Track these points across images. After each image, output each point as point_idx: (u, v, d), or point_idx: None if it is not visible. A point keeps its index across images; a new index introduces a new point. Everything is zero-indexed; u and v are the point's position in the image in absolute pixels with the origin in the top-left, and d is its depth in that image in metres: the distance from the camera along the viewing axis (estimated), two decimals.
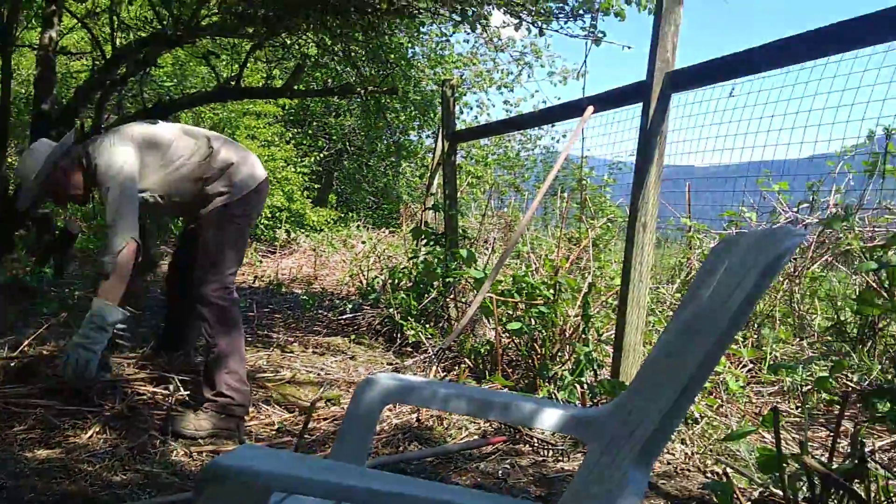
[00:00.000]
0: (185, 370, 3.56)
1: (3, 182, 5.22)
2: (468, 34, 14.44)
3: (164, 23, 4.83)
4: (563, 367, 3.71)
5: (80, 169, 3.02)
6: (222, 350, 3.04)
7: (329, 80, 6.30)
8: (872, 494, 1.88)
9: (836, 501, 1.87)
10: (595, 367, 3.60)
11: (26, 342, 3.66)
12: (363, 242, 10.70)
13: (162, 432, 2.95)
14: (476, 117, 15.44)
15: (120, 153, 2.93)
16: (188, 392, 3.30)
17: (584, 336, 3.70)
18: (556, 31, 5.93)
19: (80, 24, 5.53)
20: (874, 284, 3.51)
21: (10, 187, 5.29)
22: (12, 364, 3.39)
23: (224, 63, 6.68)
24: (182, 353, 3.69)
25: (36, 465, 2.54)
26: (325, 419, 3.37)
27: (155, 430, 2.98)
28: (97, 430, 2.90)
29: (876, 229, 4.73)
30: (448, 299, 5.13)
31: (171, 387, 3.35)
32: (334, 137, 15.33)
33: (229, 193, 3.06)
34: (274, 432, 3.19)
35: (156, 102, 5.79)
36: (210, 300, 3.02)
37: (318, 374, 4.16)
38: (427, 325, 4.77)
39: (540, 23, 5.81)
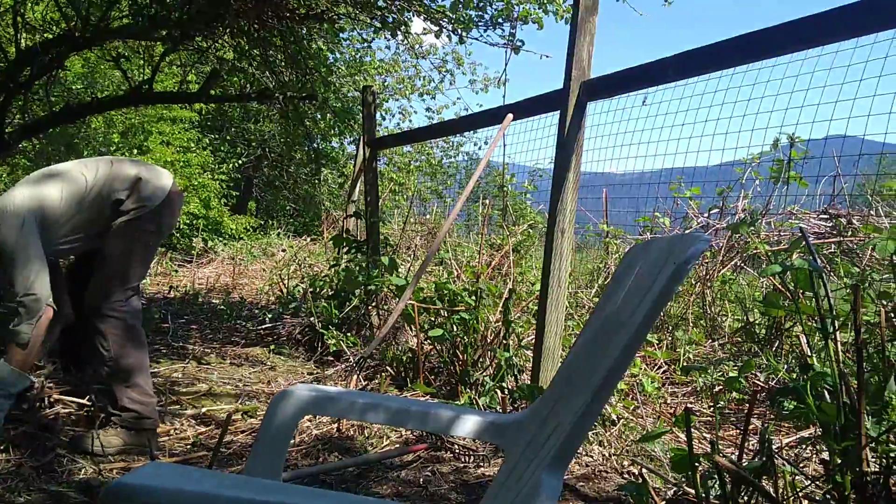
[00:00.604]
0: (98, 385, 3.41)
1: None
2: (389, 41, 14.44)
3: (73, 24, 4.64)
4: (484, 373, 3.73)
5: None
6: (124, 364, 2.92)
7: (247, 86, 6.16)
8: (780, 490, 1.95)
9: (745, 498, 1.93)
10: (516, 373, 3.63)
11: None
12: (283, 250, 10.55)
13: (70, 450, 2.83)
14: (398, 124, 15.45)
15: (16, 212, 2.76)
16: (92, 407, 3.16)
17: (505, 342, 3.73)
18: (477, 39, 5.99)
19: None
20: (780, 287, 3.65)
21: None
22: None
23: (137, 66, 6.47)
24: (92, 368, 3.54)
25: None
26: (242, 432, 3.29)
27: (62, 447, 2.85)
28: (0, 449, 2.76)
29: (781, 233, 4.94)
30: (370, 307, 5.09)
31: (82, 402, 3.21)
32: (253, 143, 15.07)
33: (140, 207, 2.95)
34: (189, 447, 3.09)
35: (64, 106, 5.56)
36: (111, 314, 2.90)
37: (236, 386, 4.06)
38: (349, 334, 4.72)
39: (460, 31, 5.85)
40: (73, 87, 8.77)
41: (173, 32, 4.68)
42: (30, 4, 5.44)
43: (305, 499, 1.05)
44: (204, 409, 3.51)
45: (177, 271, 8.97)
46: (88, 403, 3.18)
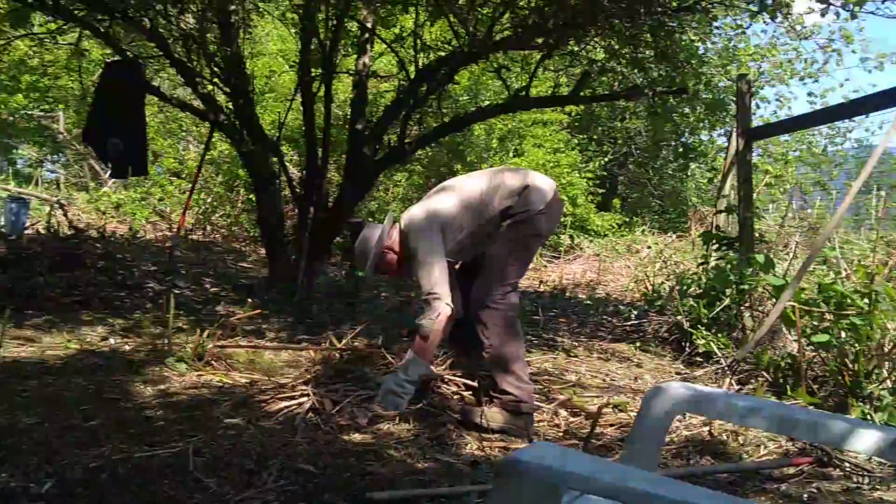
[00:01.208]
0: (481, 369, 3.73)
1: (324, 196, 5.90)
2: (766, 24, 13.49)
3: (462, 41, 5.14)
4: (881, 386, 3.32)
5: (400, 246, 3.32)
6: (503, 352, 3.16)
7: (615, 84, 6.25)
8: None
9: None
10: None
11: (344, 340, 4.09)
12: (648, 247, 10.48)
13: (458, 426, 3.14)
14: (775, 112, 14.40)
15: (425, 222, 3.17)
16: (479, 389, 3.45)
17: None
18: (872, 12, 5.35)
19: (388, 49, 6.07)
20: None
21: (330, 199, 5.97)
22: (337, 357, 3.83)
23: (514, 75, 6.94)
24: (476, 354, 3.86)
25: (352, 447, 2.83)
26: (611, 425, 3.34)
27: (451, 423, 3.17)
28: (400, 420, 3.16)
29: None
30: (742, 308, 4.83)
31: (471, 384, 3.53)
32: (619, 141, 15.19)
33: (525, 212, 3.18)
34: (560, 434, 3.24)
35: (452, 117, 6.17)
36: (492, 306, 3.16)
37: (604, 380, 4.15)
38: (719, 335, 4.54)
39: (851, 5, 5.26)
40: (460, 99, 9.70)
41: (549, 39, 4.93)
42: (427, 26, 6.13)
43: (699, 498, 1.04)
44: (574, 400, 3.64)
45: (546, 266, 9.43)
46: (476, 385, 3.49)
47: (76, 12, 5.25)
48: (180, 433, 2.81)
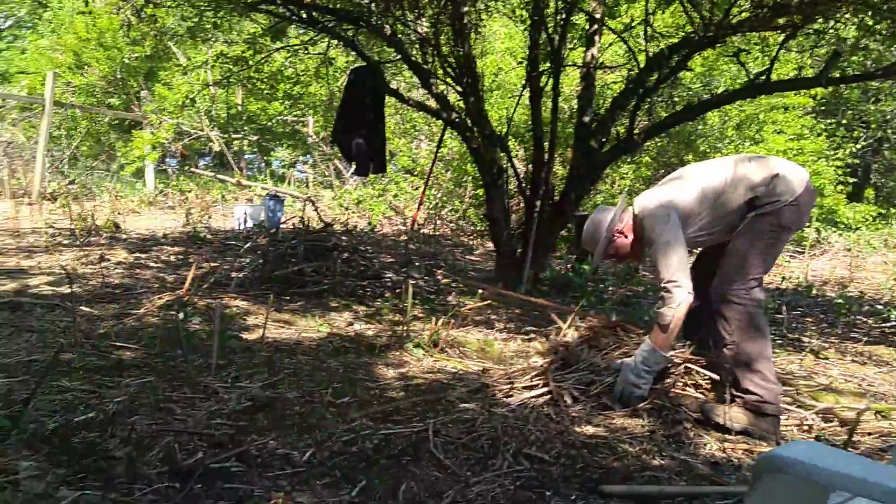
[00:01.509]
0: (724, 364, 3.54)
1: (550, 190, 5.94)
2: None
3: (696, 26, 4.92)
4: None
5: (632, 231, 3.25)
6: (746, 350, 2.99)
7: (869, 63, 5.68)
8: None
9: None
10: None
11: (563, 333, 4.08)
12: None
13: (695, 425, 3.02)
14: None
15: (662, 209, 3.06)
16: (722, 385, 3.28)
17: None
18: None
19: (617, 39, 5.97)
20: None
21: (555, 195, 5.99)
22: (558, 351, 3.84)
23: (753, 58, 6.53)
24: (717, 349, 3.67)
25: (585, 439, 2.83)
26: (869, 434, 3.05)
27: (688, 421, 3.04)
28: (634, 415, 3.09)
29: None
30: None
31: (713, 378, 3.37)
32: (873, 126, 13.78)
33: (773, 202, 2.98)
34: (811, 440, 3.01)
35: (685, 105, 5.93)
36: (731, 300, 3.00)
37: (859, 385, 3.80)
38: None
39: None
40: (692, 87, 9.29)
41: (793, 19, 4.58)
42: (658, 14, 5.95)
43: None
44: (826, 405, 3.35)
45: (788, 262, 8.79)
46: (718, 380, 3.31)
47: (327, 24, 5.73)
48: (419, 414, 2.97)
